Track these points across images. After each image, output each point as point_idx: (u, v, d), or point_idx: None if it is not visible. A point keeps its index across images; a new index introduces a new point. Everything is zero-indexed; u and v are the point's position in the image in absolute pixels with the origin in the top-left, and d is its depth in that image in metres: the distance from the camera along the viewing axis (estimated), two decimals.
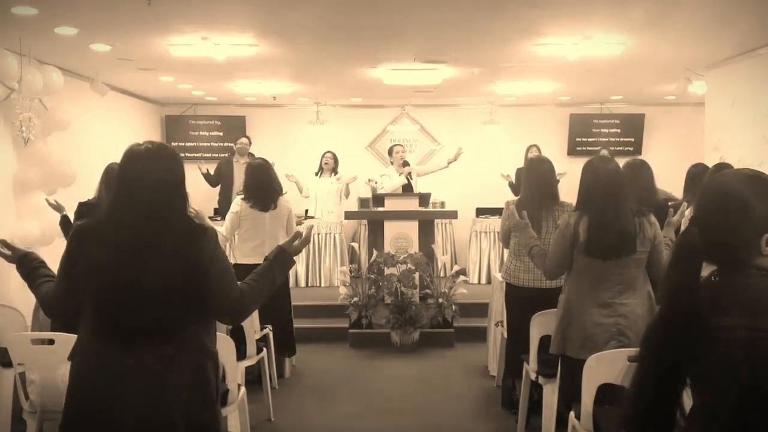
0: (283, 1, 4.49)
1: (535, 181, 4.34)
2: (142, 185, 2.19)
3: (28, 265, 2.45)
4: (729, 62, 6.40)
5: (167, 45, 5.56)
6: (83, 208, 4.97)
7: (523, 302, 4.33)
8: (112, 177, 4.76)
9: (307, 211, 8.71)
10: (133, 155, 2.25)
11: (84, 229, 2.25)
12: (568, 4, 4.42)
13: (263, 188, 5.13)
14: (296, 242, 2.48)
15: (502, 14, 4.73)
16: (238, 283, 2.34)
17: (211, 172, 8.63)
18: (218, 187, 8.69)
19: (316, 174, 8.69)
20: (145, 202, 2.18)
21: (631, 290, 3.30)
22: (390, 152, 8.46)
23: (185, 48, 5.55)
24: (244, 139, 8.76)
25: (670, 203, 4.93)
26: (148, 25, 4.98)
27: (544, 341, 3.77)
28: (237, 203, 5.25)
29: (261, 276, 2.39)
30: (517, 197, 4.75)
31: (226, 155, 9.64)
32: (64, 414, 2.20)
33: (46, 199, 5.29)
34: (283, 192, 5.32)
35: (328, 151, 8.74)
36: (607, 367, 3.05)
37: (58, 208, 5.07)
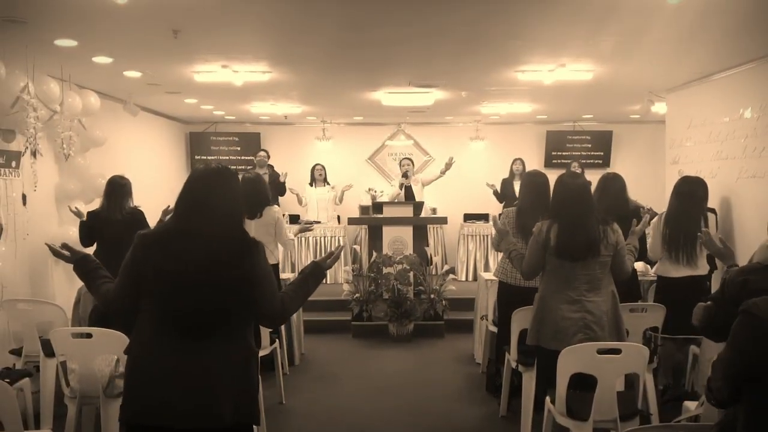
0: (293, 36, 4.51)
1: (533, 191, 4.30)
2: (209, 199, 2.21)
3: (87, 266, 2.45)
4: (686, 86, 6.43)
5: (192, 72, 5.58)
6: (92, 216, 5.02)
7: (514, 299, 4.31)
8: (113, 189, 4.84)
9: (297, 217, 8.74)
10: (202, 173, 2.28)
11: (149, 237, 2.26)
12: (544, 37, 4.45)
13: (251, 199, 5.07)
14: (329, 260, 2.51)
15: (486, 46, 4.76)
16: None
17: None
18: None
19: (310, 184, 8.74)
20: (211, 215, 2.20)
21: (597, 289, 3.32)
22: (401, 165, 8.57)
23: (207, 74, 5.57)
24: (262, 153, 8.74)
25: (641, 210, 4.96)
26: (174, 55, 5.00)
27: (524, 333, 3.79)
28: None
29: (299, 287, 2.41)
30: (510, 206, 4.75)
31: (246, 167, 9.67)
32: (122, 405, 2.20)
33: (69, 207, 5.32)
34: (272, 204, 5.26)
35: (318, 164, 8.84)
36: (578, 358, 3.08)
37: (78, 214, 5.15)
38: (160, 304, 2.17)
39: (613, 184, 4.48)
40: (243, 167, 9.98)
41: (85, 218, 5.01)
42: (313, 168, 8.76)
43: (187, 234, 2.19)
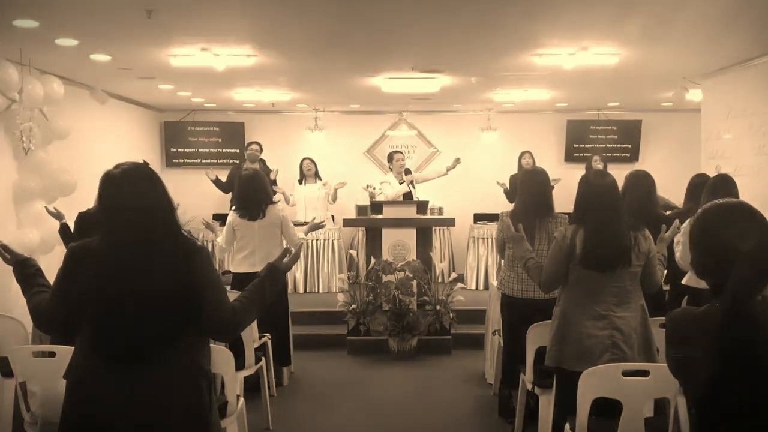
0: (281, 16, 4.52)
1: (529, 192, 4.38)
2: (124, 208, 2.25)
3: (25, 270, 2.49)
4: (724, 72, 6.44)
5: (167, 55, 5.60)
6: (82, 219, 5.01)
7: (518, 312, 4.37)
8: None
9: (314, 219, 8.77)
10: (110, 179, 2.30)
11: (80, 250, 2.29)
12: (564, 17, 4.47)
13: (250, 198, 5.20)
14: (286, 259, 2.54)
15: (499, 27, 4.78)
16: (231, 300, 2.38)
17: (221, 178, 8.67)
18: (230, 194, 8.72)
19: (299, 182, 8.75)
20: (131, 224, 2.23)
21: (626, 303, 3.33)
22: (390, 159, 8.44)
23: (185, 58, 5.59)
24: (255, 146, 8.72)
25: (667, 212, 4.97)
26: (148, 36, 5.02)
27: (541, 351, 3.81)
28: (230, 214, 5.34)
29: (252, 293, 2.44)
30: (512, 208, 4.78)
31: (229, 161, 9.69)
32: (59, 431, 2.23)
33: (46, 208, 5.32)
34: (274, 201, 5.37)
35: (306, 158, 8.84)
36: (602, 381, 3.08)
37: (57, 216, 5.11)
38: (95, 324, 2.21)
39: (645, 183, 4.50)
40: (225, 161, 10.03)
41: (65, 220, 5.01)
42: (301, 163, 8.77)
43: (116, 247, 2.23)
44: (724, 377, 1.72)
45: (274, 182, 8.39)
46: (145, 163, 2.39)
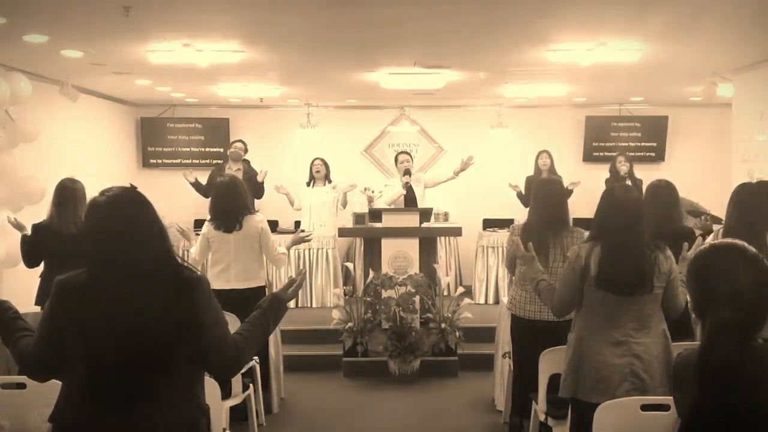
0: (273, 8, 4.58)
1: (543, 204, 4.44)
2: (113, 239, 2.29)
3: (2, 315, 2.49)
4: (757, 67, 6.51)
5: (145, 51, 5.68)
6: (38, 230, 5.08)
7: (529, 336, 4.42)
8: (64, 195, 4.92)
9: (298, 223, 8.81)
10: (95, 208, 2.34)
11: (67, 285, 2.33)
12: (579, 14, 4.55)
13: (226, 208, 5.20)
14: (290, 289, 2.60)
15: (508, 23, 4.86)
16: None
17: (201, 180, 8.68)
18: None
19: (308, 184, 8.79)
20: (121, 256, 2.28)
21: (646, 328, 3.36)
22: (396, 160, 8.51)
23: (165, 54, 5.66)
24: (238, 144, 8.76)
25: (700, 217, 4.98)
26: (124, 32, 5.09)
27: (554, 379, 3.87)
28: (205, 225, 5.34)
29: (254, 326, 2.49)
30: (523, 221, 4.84)
31: (213, 161, 9.74)
32: None
33: (8, 218, 5.37)
34: (253, 211, 5.39)
35: (318, 158, 8.82)
36: (619, 414, 3.14)
37: (18, 227, 5.16)
38: (86, 362, 2.26)
39: (669, 195, 4.55)
40: (208, 161, 10.09)
41: (28, 232, 5.08)
42: (312, 163, 8.79)
43: (109, 278, 2.27)
44: (698, 422, 1.90)
45: (261, 184, 8.46)
46: (133, 187, 2.43)
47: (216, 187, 5.39)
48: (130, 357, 2.24)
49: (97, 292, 2.27)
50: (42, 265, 5.01)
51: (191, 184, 8.59)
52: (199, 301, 2.31)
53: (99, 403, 2.24)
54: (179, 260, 2.39)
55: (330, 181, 8.75)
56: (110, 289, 2.26)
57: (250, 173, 8.47)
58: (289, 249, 5.70)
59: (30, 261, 5.03)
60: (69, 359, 2.29)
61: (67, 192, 4.96)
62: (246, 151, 8.82)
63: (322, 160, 8.79)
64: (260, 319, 2.51)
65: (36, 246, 5.00)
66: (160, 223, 2.40)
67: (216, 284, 5.12)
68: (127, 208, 2.34)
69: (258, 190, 8.37)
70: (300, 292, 8.12)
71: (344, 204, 8.72)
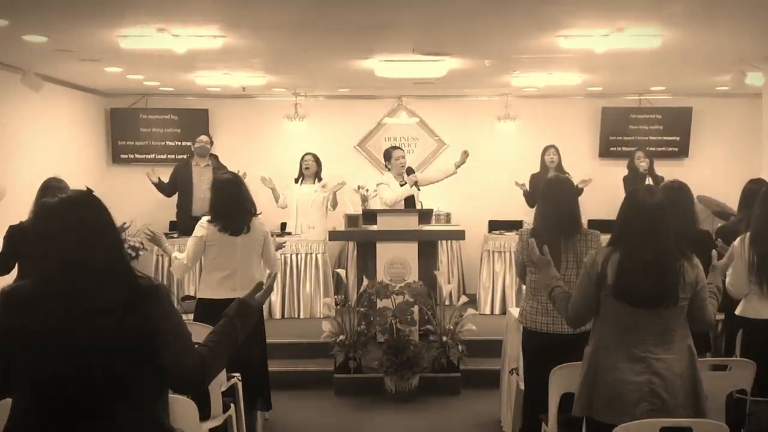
0: None
1: (551, 206, 4.46)
2: (63, 244, 2.33)
3: None
4: None
5: (116, 36, 5.69)
6: (15, 233, 5.11)
7: (542, 350, 4.43)
8: (48, 195, 4.93)
9: (284, 225, 8.83)
10: (46, 211, 2.39)
11: (12, 297, 2.36)
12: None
13: (234, 208, 5.16)
14: (258, 294, 2.65)
15: (516, 6, 4.90)
16: (196, 345, 2.48)
17: (165, 179, 8.70)
18: (176, 197, 8.77)
19: (296, 181, 8.82)
20: (72, 262, 2.32)
21: (668, 343, 3.38)
22: (387, 156, 8.46)
23: (138, 39, 5.68)
24: (204, 137, 8.81)
25: (729, 219, 4.98)
26: (93, 15, 5.11)
27: (566, 398, 3.90)
28: (203, 226, 5.25)
29: (220, 335, 2.54)
30: (531, 225, 4.86)
31: (185, 157, 9.73)
32: None
33: None
34: (258, 212, 5.37)
35: (308, 153, 8.85)
36: None
37: None
38: (36, 381, 2.29)
39: (683, 199, 4.60)
40: (185, 156, 10.08)
41: None
42: (302, 159, 8.82)
43: (55, 289, 2.31)
44: None
45: None
46: (89, 191, 2.48)
47: (220, 185, 5.32)
48: (82, 375, 2.27)
49: (43, 304, 2.30)
50: (17, 269, 5.07)
51: (154, 185, 8.57)
52: (157, 310, 2.34)
53: (50, 425, 2.27)
54: (134, 269, 2.42)
55: (320, 180, 8.78)
56: (58, 302, 2.29)
57: (220, 169, 8.48)
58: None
59: (5, 265, 5.12)
60: (17, 378, 2.31)
61: (53, 192, 4.98)
62: (212, 144, 8.90)
63: (314, 155, 8.82)
64: (227, 327, 2.55)
65: (15, 249, 5.05)
66: (115, 230, 2.46)
67: (217, 293, 5.14)
68: (79, 212, 2.37)
69: None
70: (287, 302, 8.32)
71: (334, 205, 8.75)
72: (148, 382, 2.35)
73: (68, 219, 2.35)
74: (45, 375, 2.28)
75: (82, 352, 2.26)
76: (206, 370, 2.46)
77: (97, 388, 2.28)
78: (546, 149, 8.99)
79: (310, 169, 8.73)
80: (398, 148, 8.61)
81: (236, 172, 8.29)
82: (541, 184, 8.55)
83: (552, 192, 4.53)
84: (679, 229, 4.26)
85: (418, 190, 8.30)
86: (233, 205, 5.18)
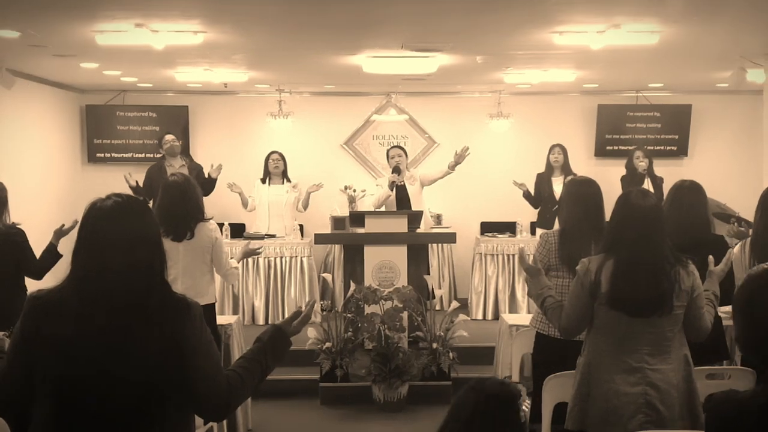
0: None
1: (582, 209, 4.42)
2: (115, 248, 2.30)
3: None
4: None
5: (92, 31, 5.70)
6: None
7: (557, 358, 4.32)
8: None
9: (244, 226, 8.84)
10: (99, 212, 2.35)
11: (42, 301, 2.34)
12: None
13: (176, 212, 5.14)
14: (295, 322, 2.63)
15: (507, 3, 4.93)
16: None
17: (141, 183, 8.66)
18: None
19: (263, 181, 8.84)
20: (119, 269, 2.29)
21: (664, 353, 3.40)
22: (388, 156, 8.54)
23: (115, 35, 5.69)
24: (169, 136, 8.75)
25: (731, 222, 5.00)
26: (68, 9, 5.11)
27: (560, 408, 3.91)
28: None
29: (251, 362, 2.49)
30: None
31: (155, 160, 9.69)
32: None
33: None
34: (208, 218, 5.35)
35: (275, 152, 8.93)
36: None
37: None
38: (59, 397, 2.27)
39: (689, 198, 4.58)
40: (162, 155, 10.07)
41: None
42: (267, 157, 8.87)
43: (91, 298, 2.29)
44: None
45: (213, 182, 8.48)
46: (139, 196, 2.47)
47: (166, 188, 5.28)
48: (108, 397, 2.24)
49: (77, 312, 2.27)
50: None
51: (131, 188, 8.52)
52: (190, 332, 2.32)
53: None
54: (165, 280, 2.41)
55: (288, 180, 8.82)
56: (93, 311, 2.26)
57: (195, 169, 8.48)
58: (239, 262, 5.70)
59: None
60: (39, 387, 2.29)
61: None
62: (180, 142, 8.89)
63: (280, 154, 8.89)
64: (258, 354, 2.51)
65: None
66: (159, 237, 2.44)
67: None
68: (128, 217, 2.35)
69: (207, 187, 8.24)
70: (270, 307, 8.32)
71: (305, 206, 8.83)
72: (175, 404, 2.33)
73: (124, 225, 2.33)
74: (69, 398, 2.26)
75: (114, 368, 2.24)
76: (232, 396, 2.42)
77: (127, 407, 2.26)
78: (552, 148, 8.97)
79: (279, 168, 8.80)
80: (395, 147, 8.64)
81: (211, 165, 8.47)
82: (546, 185, 8.65)
83: (582, 193, 4.48)
84: (694, 234, 4.28)
85: (394, 190, 8.20)
86: (177, 210, 5.14)
